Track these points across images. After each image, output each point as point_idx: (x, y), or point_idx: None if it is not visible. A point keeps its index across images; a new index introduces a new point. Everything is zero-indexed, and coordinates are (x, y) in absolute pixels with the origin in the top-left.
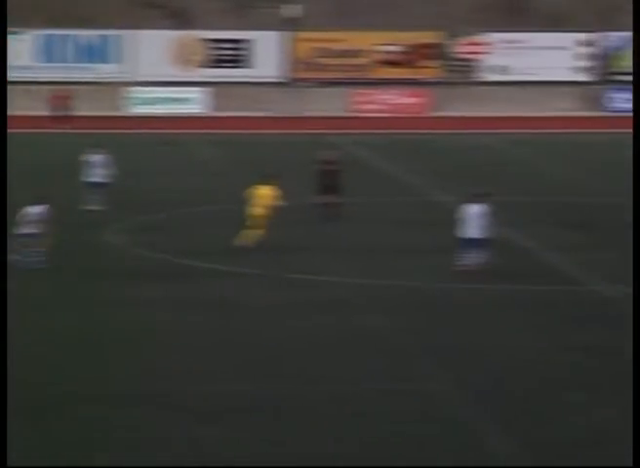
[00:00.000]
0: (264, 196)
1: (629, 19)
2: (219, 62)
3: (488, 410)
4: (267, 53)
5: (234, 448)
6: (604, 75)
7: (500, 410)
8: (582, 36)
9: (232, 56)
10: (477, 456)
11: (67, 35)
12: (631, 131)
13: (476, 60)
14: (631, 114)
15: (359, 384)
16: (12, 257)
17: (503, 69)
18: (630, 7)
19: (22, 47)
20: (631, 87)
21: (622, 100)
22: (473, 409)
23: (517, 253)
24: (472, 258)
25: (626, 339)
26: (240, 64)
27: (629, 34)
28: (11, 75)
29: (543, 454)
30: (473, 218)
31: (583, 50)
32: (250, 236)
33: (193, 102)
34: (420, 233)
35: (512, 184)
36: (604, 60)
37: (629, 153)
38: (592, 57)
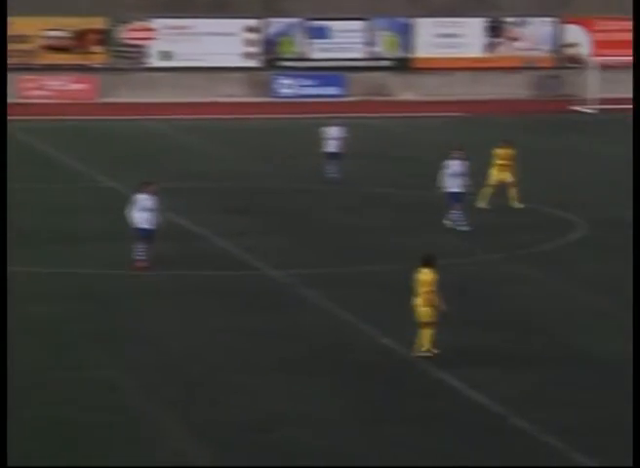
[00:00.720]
0: None
1: (292, 6)
2: None
3: (158, 396)
4: None
5: None
6: (270, 61)
7: (170, 395)
8: (249, 22)
9: None
10: (148, 444)
11: None
12: (296, 116)
13: (142, 46)
14: (296, 100)
15: (29, 374)
16: None
17: (169, 55)
18: None
19: None
20: (295, 73)
21: (288, 86)
22: (144, 395)
23: (187, 239)
24: (145, 247)
25: (295, 322)
26: None
27: (293, 20)
28: None
29: (214, 438)
30: (142, 207)
31: (250, 36)
32: None
33: None
34: (89, 220)
35: (180, 171)
36: (270, 46)
37: (294, 138)
38: (259, 43)
